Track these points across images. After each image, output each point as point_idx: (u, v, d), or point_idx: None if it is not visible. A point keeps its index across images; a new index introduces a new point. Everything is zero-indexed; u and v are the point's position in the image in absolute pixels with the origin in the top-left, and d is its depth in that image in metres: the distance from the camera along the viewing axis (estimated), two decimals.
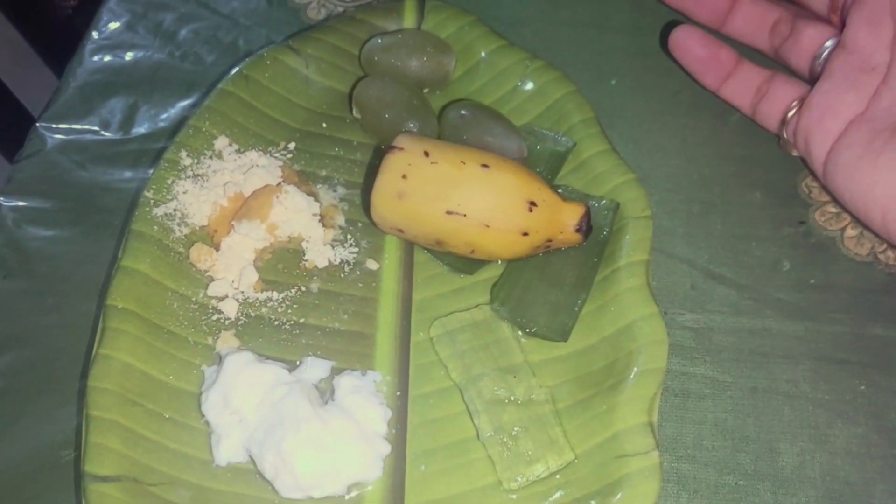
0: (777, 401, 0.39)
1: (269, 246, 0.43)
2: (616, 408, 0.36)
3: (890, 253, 0.43)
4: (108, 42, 0.54)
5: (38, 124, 0.50)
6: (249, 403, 0.37)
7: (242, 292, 0.42)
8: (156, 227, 0.41)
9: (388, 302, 0.42)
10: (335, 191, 0.45)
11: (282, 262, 0.43)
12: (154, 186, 0.42)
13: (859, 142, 0.40)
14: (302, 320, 0.41)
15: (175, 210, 0.42)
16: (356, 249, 0.44)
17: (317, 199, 0.44)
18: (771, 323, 0.41)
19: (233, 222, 0.42)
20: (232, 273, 0.42)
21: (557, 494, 0.36)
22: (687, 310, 0.42)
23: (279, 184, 0.44)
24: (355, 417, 0.37)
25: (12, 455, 0.39)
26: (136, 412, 0.37)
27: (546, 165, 0.44)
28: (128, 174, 0.48)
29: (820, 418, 0.39)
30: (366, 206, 0.43)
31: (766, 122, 0.46)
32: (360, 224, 0.44)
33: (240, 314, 0.41)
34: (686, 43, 0.47)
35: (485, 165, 0.39)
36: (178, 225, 0.42)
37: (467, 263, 0.42)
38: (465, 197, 0.38)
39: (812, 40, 0.44)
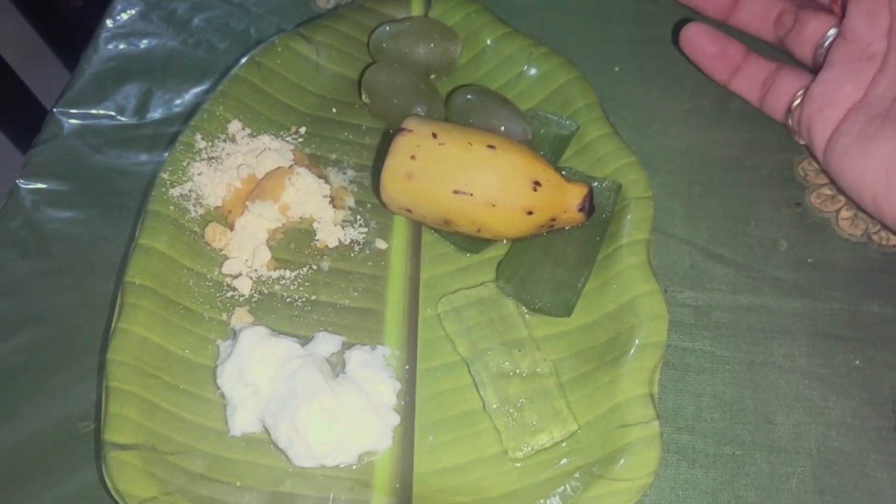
0: (774, 375, 0.40)
1: (282, 226, 0.44)
2: (618, 380, 0.38)
3: (883, 234, 0.44)
4: (123, 30, 0.55)
5: (54, 109, 0.51)
6: (263, 376, 0.38)
7: (256, 270, 0.43)
8: (172, 208, 0.43)
9: (396, 280, 0.43)
10: (345, 173, 0.47)
11: (294, 242, 0.44)
12: (170, 168, 0.44)
13: (854, 129, 0.41)
14: (313, 297, 0.42)
15: (190, 191, 0.44)
16: (365, 230, 0.45)
17: (327, 182, 0.46)
18: (769, 300, 0.42)
19: (246, 203, 0.44)
20: (245, 252, 0.43)
21: (562, 462, 0.37)
22: (686, 287, 0.43)
23: (291, 166, 0.45)
24: (366, 390, 0.39)
25: (32, 428, 0.40)
26: (154, 384, 0.38)
27: (550, 148, 0.45)
28: (143, 157, 0.49)
29: (815, 391, 0.40)
30: (375, 187, 0.44)
31: (773, 112, 0.47)
32: (369, 205, 0.46)
33: (253, 291, 0.42)
34: (696, 40, 0.49)
35: (491, 146, 0.40)
36: (194, 205, 0.43)
37: (473, 242, 0.43)
38: (472, 177, 0.40)
39: (815, 31, 0.45)
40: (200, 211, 0.44)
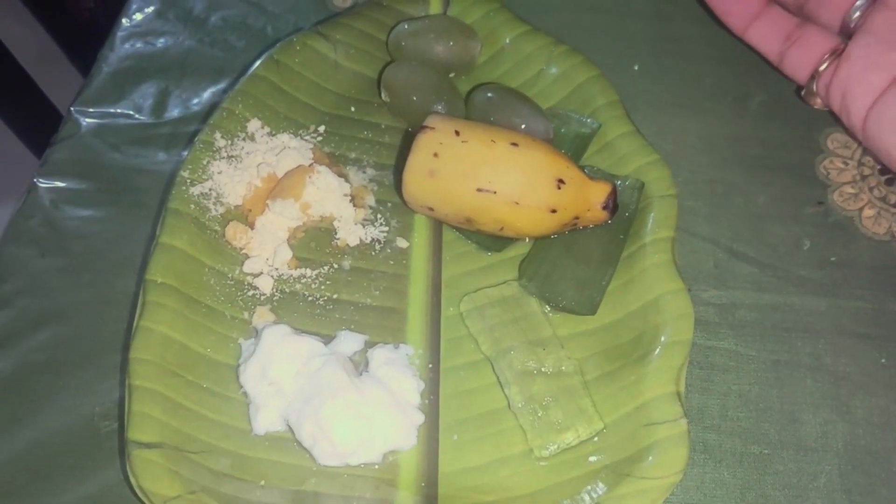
0: (799, 373, 0.40)
1: (302, 225, 0.44)
2: (644, 378, 0.37)
3: None
4: (139, 29, 0.55)
5: (72, 108, 0.51)
6: (287, 374, 0.38)
7: (277, 269, 0.43)
8: (192, 206, 0.43)
9: (418, 279, 0.43)
10: (364, 172, 0.47)
11: (314, 241, 0.44)
12: (190, 167, 0.44)
13: None
14: (335, 296, 0.42)
15: (210, 190, 0.44)
16: (386, 228, 0.45)
17: (347, 180, 0.45)
18: (793, 299, 0.42)
19: (267, 201, 0.44)
20: (266, 251, 0.43)
21: (589, 461, 0.37)
22: (710, 286, 0.43)
23: (311, 164, 0.45)
24: (390, 388, 0.38)
25: (54, 426, 0.40)
26: (177, 383, 0.38)
27: (571, 147, 0.45)
28: (161, 156, 0.49)
29: (841, 390, 0.40)
30: (397, 185, 0.44)
31: (794, 70, 0.46)
32: (389, 204, 0.46)
33: (275, 290, 0.42)
34: None
35: (514, 144, 0.40)
36: (214, 204, 0.43)
37: (495, 241, 0.43)
38: (496, 174, 0.39)
39: None
40: (221, 209, 0.43)
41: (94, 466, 0.39)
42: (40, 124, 0.74)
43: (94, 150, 0.49)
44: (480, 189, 0.40)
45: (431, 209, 0.42)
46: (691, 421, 0.38)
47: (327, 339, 0.40)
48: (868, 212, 0.45)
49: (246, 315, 0.41)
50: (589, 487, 0.36)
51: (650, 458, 0.35)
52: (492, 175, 0.39)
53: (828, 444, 0.38)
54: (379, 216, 0.45)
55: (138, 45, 0.55)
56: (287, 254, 0.43)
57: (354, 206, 0.45)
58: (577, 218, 0.41)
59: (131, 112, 0.51)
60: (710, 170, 0.47)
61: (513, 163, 0.40)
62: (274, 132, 0.46)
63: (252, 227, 0.43)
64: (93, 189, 0.48)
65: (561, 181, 0.40)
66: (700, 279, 0.43)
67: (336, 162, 0.46)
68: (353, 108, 0.49)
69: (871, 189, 0.46)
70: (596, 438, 0.37)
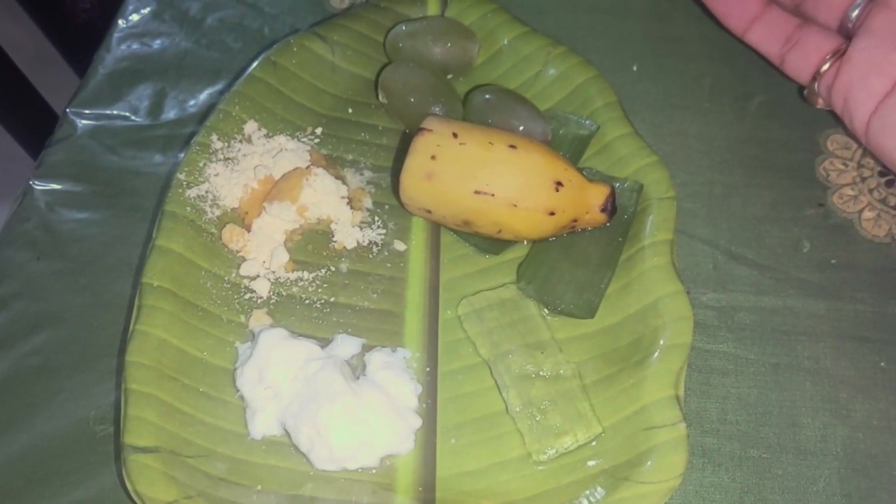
0: (799, 377, 0.40)
1: (299, 227, 0.44)
2: (643, 382, 0.37)
3: None
4: (136, 30, 0.55)
5: (67, 110, 0.51)
6: (284, 378, 0.38)
7: (274, 272, 0.42)
8: (188, 209, 0.42)
9: (415, 281, 0.43)
10: (362, 174, 0.46)
11: (311, 244, 0.44)
12: (186, 169, 0.43)
13: None
14: (332, 299, 0.42)
15: (207, 192, 0.43)
16: (384, 231, 0.44)
17: (344, 183, 0.45)
18: (792, 302, 0.42)
19: (264, 204, 0.43)
20: (263, 253, 0.43)
21: (587, 465, 0.36)
22: (709, 289, 0.43)
23: (308, 167, 0.45)
24: (387, 392, 0.38)
25: (49, 430, 0.40)
26: (173, 387, 0.38)
27: (570, 148, 0.45)
28: (157, 158, 0.49)
29: (841, 394, 0.39)
30: (394, 187, 0.44)
31: (795, 72, 0.46)
32: (387, 206, 0.45)
33: (271, 293, 0.42)
34: None
35: (512, 146, 0.40)
36: (210, 206, 0.43)
37: (493, 244, 0.43)
38: (494, 177, 0.39)
39: None
40: (217, 212, 0.43)
41: (89, 471, 0.39)
42: (36, 126, 0.73)
43: (90, 152, 0.49)
44: (478, 191, 0.39)
45: (429, 212, 0.41)
46: (690, 425, 0.38)
47: (324, 343, 0.40)
48: (868, 214, 0.45)
49: (242, 318, 0.41)
50: (587, 492, 0.36)
51: (649, 462, 0.35)
52: (490, 177, 0.39)
53: (827, 448, 0.38)
54: (376, 219, 0.45)
55: (135, 46, 0.54)
56: (284, 257, 0.43)
57: (352, 208, 0.45)
58: (575, 220, 0.41)
59: (127, 114, 0.51)
60: (709, 171, 0.47)
61: (511, 165, 0.39)
62: (271, 134, 0.46)
63: (249, 229, 0.43)
64: (89, 191, 0.48)
65: (559, 183, 0.40)
66: (699, 282, 0.43)
67: (333, 164, 0.46)
68: (350, 110, 0.49)
69: (871, 191, 0.46)
70: (594, 442, 0.37)
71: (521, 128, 0.44)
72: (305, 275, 0.43)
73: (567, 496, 0.36)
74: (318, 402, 0.37)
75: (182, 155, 0.44)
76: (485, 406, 0.39)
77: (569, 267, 0.41)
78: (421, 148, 0.40)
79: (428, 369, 0.40)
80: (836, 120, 0.46)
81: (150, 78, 0.53)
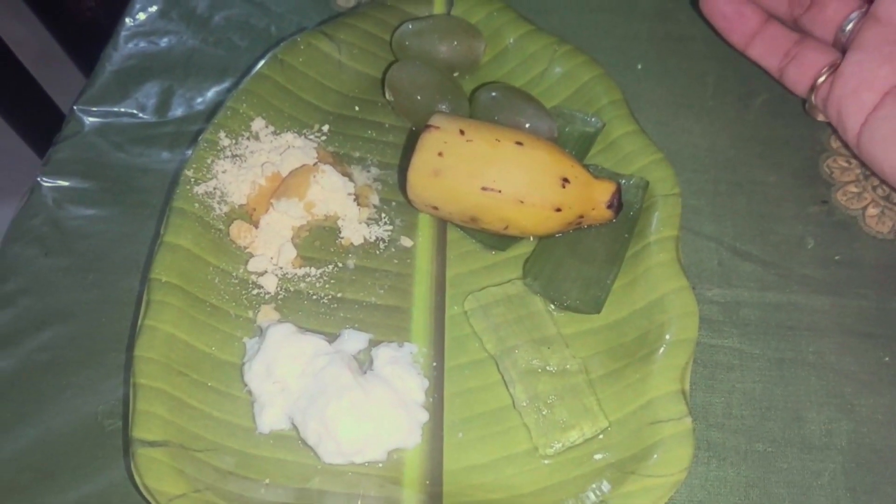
0: (804, 372, 0.40)
1: (307, 224, 0.44)
2: (649, 377, 0.38)
3: None
4: (143, 28, 0.55)
5: (75, 107, 0.51)
6: (292, 373, 0.38)
7: (281, 268, 0.43)
8: (197, 205, 0.43)
9: (422, 277, 0.43)
10: (369, 171, 0.47)
11: (319, 240, 0.44)
12: (194, 165, 0.44)
13: None
14: (339, 295, 0.42)
15: (215, 189, 0.44)
16: (390, 227, 0.45)
17: (351, 180, 0.46)
18: (797, 297, 0.42)
19: (271, 200, 0.44)
20: (271, 249, 0.43)
21: (593, 459, 0.37)
22: (714, 285, 0.43)
23: (316, 164, 0.45)
24: (394, 386, 0.38)
25: (58, 425, 0.40)
26: (181, 381, 0.38)
27: (575, 146, 0.45)
28: (165, 155, 0.49)
29: (846, 388, 0.40)
30: (401, 184, 0.44)
31: (793, 86, 0.47)
32: (393, 203, 0.46)
33: (279, 289, 0.42)
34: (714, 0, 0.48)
35: (519, 143, 0.40)
36: (218, 203, 0.43)
37: (500, 240, 0.43)
38: (501, 173, 0.40)
39: (837, 11, 0.45)
40: (225, 208, 0.43)
41: (98, 465, 0.39)
42: (42, 123, 0.74)
43: (98, 150, 0.49)
44: (485, 188, 0.40)
45: (436, 208, 0.42)
46: (695, 419, 0.38)
47: (332, 338, 0.41)
48: (872, 211, 0.45)
49: (250, 314, 0.41)
50: (594, 485, 0.36)
51: (655, 456, 0.35)
52: (497, 174, 0.40)
53: (832, 442, 0.38)
54: (383, 215, 0.45)
55: (142, 44, 0.55)
56: (291, 253, 0.43)
57: (359, 205, 0.45)
58: (581, 217, 0.41)
59: (135, 111, 0.51)
60: (713, 169, 0.47)
61: (517, 162, 0.40)
62: (278, 131, 0.46)
63: (256, 225, 0.44)
64: (96, 188, 0.48)
65: (566, 180, 0.40)
66: (704, 278, 0.43)
67: (340, 161, 0.47)
68: (357, 108, 0.49)
69: (874, 188, 0.46)
70: (601, 437, 0.37)
71: (527, 125, 0.44)
72: (313, 271, 0.43)
73: (574, 490, 0.36)
74: (325, 397, 0.37)
75: (190, 152, 0.45)
76: (491, 401, 0.39)
77: (575, 263, 0.41)
78: (428, 145, 0.40)
79: (435, 364, 0.40)
80: (833, 131, 0.47)
81: (157, 76, 0.53)
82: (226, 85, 0.52)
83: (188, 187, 0.43)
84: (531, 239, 0.43)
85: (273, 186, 0.44)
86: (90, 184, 0.48)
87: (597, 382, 0.39)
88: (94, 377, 0.42)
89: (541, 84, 0.48)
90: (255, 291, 0.42)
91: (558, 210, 0.40)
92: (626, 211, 0.42)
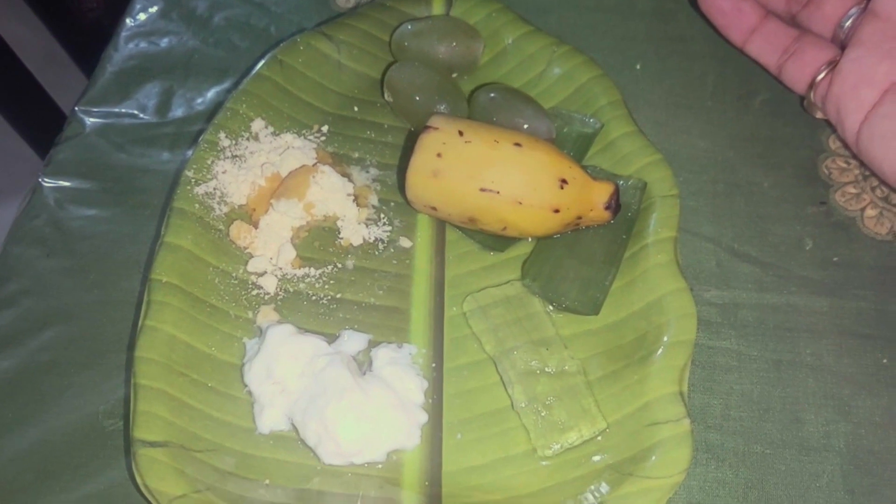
0: (802, 373, 0.40)
1: (306, 224, 0.44)
2: (647, 378, 0.38)
3: None
4: (143, 29, 0.55)
5: (76, 108, 0.51)
6: (291, 373, 0.38)
7: (281, 268, 0.43)
8: (197, 205, 0.43)
9: (421, 278, 0.43)
10: (368, 172, 0.47)
11: (318, 240, 0.44)
12: (194, 166, 0.44)
13: None
14: (339, 295, 0.42)
15: (215, 189, 0.44)
16: (389, 228, 0.45)
17: (350, 180, 0.46)
18: (795, 299, 0.42)
19: (271, 201, 0.44)
20: (270, 250, 0.43)
21: (592, 460, 0.37)
22: (712, 286, 0.43)
23: (315, 164, 0.45)
24: (393, 387, 0.39)
25: (59, 425, 0.40)
26: (182, 382, 0.38)
27: (574, 146, 0.45)
28: (165, 156, 0.49)
29: (844, 390, 0.40)
30: (400, 185, 0.44)
31: (792, 83, 0.46)
32: (392, 204, 0.46)
33: (279, 289, 0.42)
34: None
35: (517, 144, 0.40)
36: (218, 203, 0.43)
37: (498, 241, 0.43)
38: (499, 174, 0.40)
39: (835, 7, 0.44)
40: (225, 209, 0.44)
41: (99, 465, 0.39)
42: (44, 124, 0.74)
43: (99, 150, 0.50)
44: (484, 189, 0.40)
45: (435, 209, 0.42)
46: (694, 421, 0.38)
47: (331, 339, 0.41)
48: (870, 212, 0.45)
49: (250, 314, 0.41)
50: (592, 487, 0.36)
51: (653, 457, 0.35)
52: (495, 175, 0.40)
53: (830, 444, 0.38)
54: (382, 216, 0.45)
55: (142, 45, 0.55)
56: (291, 253, 0.43)
57: (358, 205, 0.45)
58: (579, 218, 0.41)
59: (135, 112, 0.51)
60: (712, 169, 0.47)
61: (516, 163, 0.40)
62: (278, 132, 0.46)
63: (256, 226, 0.44)
64: (97, 189, 0.48)
65: (564, 181, 0.40)
66: (702, 279, 0.43)
67: (339, 161, 0.47)
68: (356, 108, 0.49)
69: (873, 189, 0.46)
70: (599, 438, 0.37)
71: (525, 126, 0.44)
72: (312, 271, 0.43)
73: (572, 491, 0.36)
74: (325, 398, 0.37)
75: (190, 152, 0.45)
76: (490, 402, 0.39)
77: (573, 264, 0.41)
78: (427, 146, 0.40)
79: (434, 365, 0.41)
80: (831, 129, 0.47)
81: (157, 76, 0.53)
82: (226, 85, 0.52)
83: (188, 188, 0.43)
84: (530, 240, 0.43)
85: (273, 187, 0.45)
86: (91, 184, 0.48)
87: (595, 384, 0.39)
88: (95, 377, 0.42)
89: (539, 85, 0.48)
90: (254, 292, 0.42)
91: (556, 211, 0.40)
92: (625, 212, 0.42)
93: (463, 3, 0.51)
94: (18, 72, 0.83)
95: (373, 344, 0.41)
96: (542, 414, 0.38)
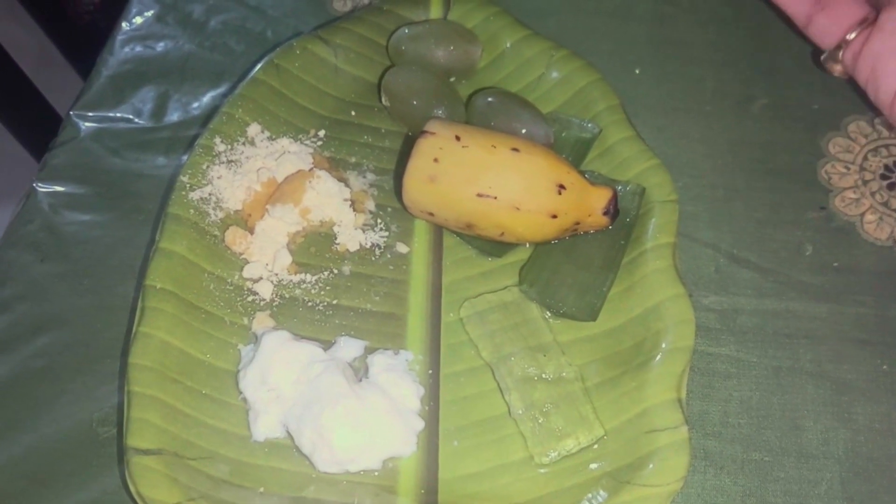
0: (801, 380, 0.40)
1: (302, 230, 0.44)
2: (645, 385, 0.37)
3: None
4: (139, 33, 0.55)
5: (71, 112, 0.51)
6: (286, 380, 0.38)
7: (276, 274, 0.43)
8: (192, 211, 0.42)
9: (418, 284, 0.43)
10: (364, 177, 0.46)
11: (314, 246, 0.44)
12: (189, 171, 0.43)
13: None
14: (335, 301, 0.42)
15: (210, 194, 0.43)
16: (386, 233, 0.45)
17: (347, 185, 0.45)
18: (794, 305, 0.42)
19: (267, 206, 0.43)
20: (266, 256, 0.43)
21: (589, 468, 0.37)
22: (711, 292, 0.43)
23: (311, 169, 0.45)
24: (389, 394, 0.38)
25: (53, 432, 0.40)
26: (176, 389, 0.38)
27: (572, 151, 0.45)
28: (160, 160, 0.49)
29: (843, 397, 0.40)
30: (397, 190, 0.44)
31: (820, 37, 0.44)
32: (389, 209, 0.45)
33: (274, 295, 0.42)
34: None
35: (515, 149, 0.40)
36: (213, 209, 0.43)
37: (495, 247, 0.43)
38: (496, 180, 0.39)
39: None
40: (220, 214, 0.43)
41: (92, 473, 0.39)
42: (40, 128, 0.73)
43: (94, 155, 0.49)
44: (481, 194, 0.39)
45: (432, 214, 0.41)
46: (692, 428, 0.38)
47: (327, 345, 0.40)
48: (870, 217, 0.45)
49: (245, 321, 0.41)
50: (590, 495, 0.36)
51: (651, 465, 0.35)
52: (492, 180, 0.39)
53: (829, 451, 0.38)
54: (379, 221, 0.45)
55: (138, 48, 0.54)
56: (287, 259, 0.43)
57: (354, 210, 0.45)
58: (577, 223, 0.41)
59: (131, 116, 0.51)
60: (711, 174, 0.47)
61: (513, 168, 0.40)
62: (274, 137, 0.46)
63: (252, 232, 0.43)
64: (92, 194, 0.48)
65: (562, 186, 0.40)
66: (701, 285, 0.43)
67: (336, 166, 0.46)
68: (353, 113, 0.49)
69: (872, 194, 0.46)
70: (596, 445, 0.37)
71: (523, 131, 0.44)
72: (308, 277, 0.43)
73: (569, 499, 0.36)
74: (320, 405, 0.37)
75: (185, 157, 0.44)
76: (487, 409, 0.39)
77: (571, 270, 0.41)
78: (424, 151, 0.40)
79: (430, 372, 0.40)
80: (852, 88, 0.45)
81: (153, 80, 0.53)
82: (222, 90, 0.52)
83: (183, 193, 0.43)
84: (527, 245, 0.43)
85: (268, 192, 0.44)
86: (86, 189, 0.48)
87: (593, 390, 0.39)
88: (89, 384, 0.42)
89: (537, 89, 0.48)
90: (250, 298, 0.42)
91: (554, 216, 0.40)
92: (623, 217, 0.42)
93: (461, 6, 0.51)
94: (14, 75, 0.82)
95: (369, 350, 0.41)
96: (540, 421, 0.38)
